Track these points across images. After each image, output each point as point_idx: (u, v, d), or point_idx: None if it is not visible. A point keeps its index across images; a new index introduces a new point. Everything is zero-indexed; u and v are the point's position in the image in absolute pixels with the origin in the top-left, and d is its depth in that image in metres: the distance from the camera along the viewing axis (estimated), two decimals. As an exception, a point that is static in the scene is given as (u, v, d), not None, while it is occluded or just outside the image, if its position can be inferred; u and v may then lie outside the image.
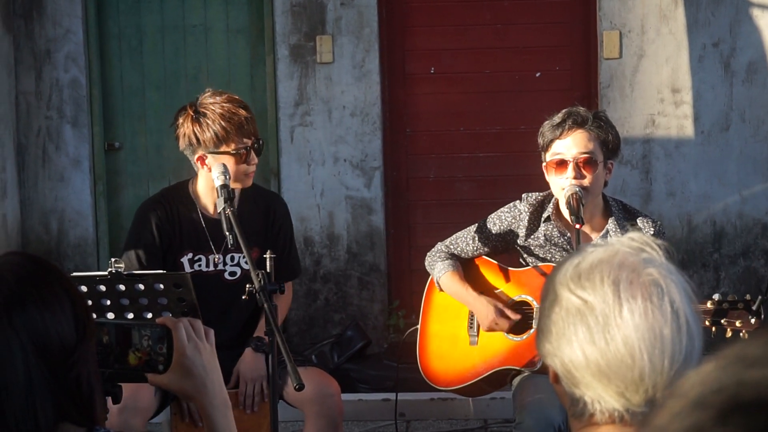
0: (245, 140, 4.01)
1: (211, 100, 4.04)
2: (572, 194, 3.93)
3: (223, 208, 3.62)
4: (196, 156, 4.02)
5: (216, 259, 4.17)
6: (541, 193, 4.22)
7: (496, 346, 4.22)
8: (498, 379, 4.25)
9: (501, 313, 4.15)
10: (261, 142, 4.11)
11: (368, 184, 7.24)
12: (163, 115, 7.43)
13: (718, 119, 7.09)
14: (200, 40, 7.39)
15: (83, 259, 7.30)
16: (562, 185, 3.99)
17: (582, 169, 3.98)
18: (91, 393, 1.88)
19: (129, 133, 7.47)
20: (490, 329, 4.19)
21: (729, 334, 3.79)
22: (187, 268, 4.14)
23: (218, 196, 3.70)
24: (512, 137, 7.31)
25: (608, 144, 4.03)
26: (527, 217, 4.17)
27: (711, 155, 7.10)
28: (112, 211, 7.49)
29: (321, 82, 7.22)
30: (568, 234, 4.10)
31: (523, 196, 4.25)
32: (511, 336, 4.18)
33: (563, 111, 4.08)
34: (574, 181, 3.96)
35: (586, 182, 3.98)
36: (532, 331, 4.10)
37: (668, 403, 0.78)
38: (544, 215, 4.14)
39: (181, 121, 4.07)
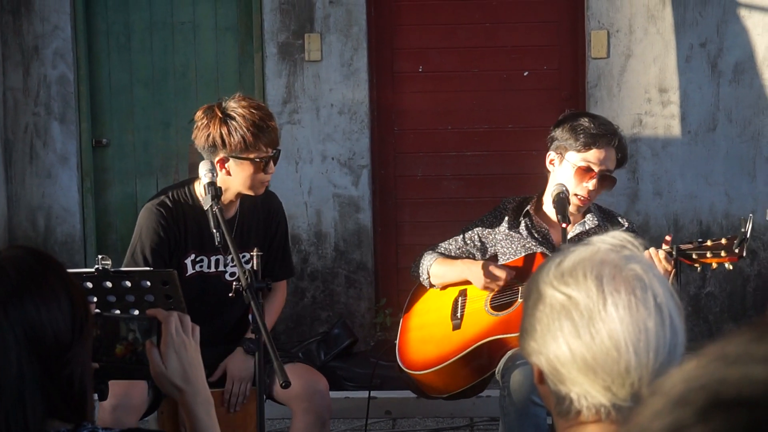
0: (269, 149, 4.01)
1: (239, 104, 3.99)
2: (558, 193, 4.06)
3: (210, 206, 3.63)
4: (217, 158, 3.97)
5: (218, 260, 4.16)
6: (520, 196, 4.43)
7: (479, 325, 4.21)
8: (482, 360, 4.18)
9: (496, 266, 4.21)
10: (279, 150, 4.11)
11: (356, 183, 7.24)
12: (150, 112, 7.43)
13: (705, 119, 7.11)
14: (188, 38, 7.39)
15: (70, 256, 7.29)
16: (575, 190, 4.16)
17: (602, 183, 4.20)
18: (83, 392, 1.88)
19: (117, 130, 7.46)
20: (486, 286, 4.19)
21: (714, 266, 3.88)
22: (190, 270, 4.13)
23: (205, 194, 3.70)
24: (500, 136, 7.32)
25: (620, 163, 4.31)
26: (508, 214, 4.34)
27: (698, 155, 7.12)
28: (100, 208, 7.48)
29: (309, 80, 7.22)
30: (545, 227, 4.29)
31: (503, 200, 4.46)
32: (494, 312, 4.19)
33: (601, 120, 4.30)
34: (591, 190, 4.17)
35: (597, 194, 4.22)
36: (517, 304, 4.11)
37: (649, 400, 0.79)
38: (524, 211, 4.31)
39: (205, 120, 3.99)
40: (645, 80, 7.11)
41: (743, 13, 7.06)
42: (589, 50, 7.12)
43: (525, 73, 7.31)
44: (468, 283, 4.32)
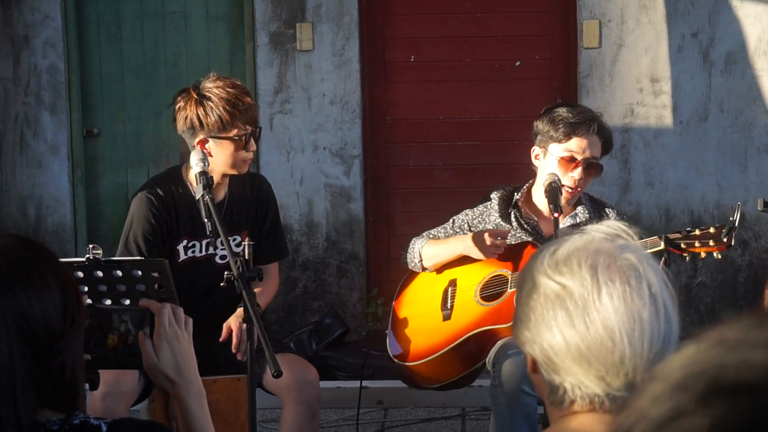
0: (247, 126, 4.02)
1: (215, 84, 4.02)
2: (551, 182, 4.05)
3: (202, 195, 3.62)
4: (197, 139, 4.00)
5: (209, 243, 4.16)
6: (510, 186, 4.40)
7: (470, 315, 4.20)
8: (473, 350, 4.17)
9: (495, 232, 4.18)
10: (260, 129, 4.12)
11: (347, 172, 7.24)
12: (141, 101, 7.41)
13: (697, 109, 7.11)
14: (180, 27, 7.36)
15: (61, 245, 7.27)
16: (562, 182, 4.13)
17: (588, 171, 4.17)
18: (75, 382, 1.88)
19: (107, 120, 7.44)
20: (491, 249, 4.15)
21: (703, 255, 3.87)
22: (182, 256, 4.14)
23: (197, 183, 3.70)
24: (492, 126, 7.32)
25: (606, 149, 4.28)
26: (498, 205, 4.32)
27: (689, 145, 7.12)
28: (90, 198, 7.47)
29: (301, 69, 7.20)
30: (534, 219, 4.28)
31: (492, 189, 4.43)
32: (484, 303, 4.18)
33: (579, 109, 4.29)
34: (578, 179, 4.14)
35: (587, 184, 4.20)
36: (506, 294, 4.10)
37: (649, 385, 0.78)
38: (513, 202, 4.30)
39: (182, 103, 4.03)
40: (637, 70, 7.10)
41: (735, 2, 7.06)
42: (580, 40, 7.12)
43: (517, 63, 7.30)
44: (459, 265, 4.31)
